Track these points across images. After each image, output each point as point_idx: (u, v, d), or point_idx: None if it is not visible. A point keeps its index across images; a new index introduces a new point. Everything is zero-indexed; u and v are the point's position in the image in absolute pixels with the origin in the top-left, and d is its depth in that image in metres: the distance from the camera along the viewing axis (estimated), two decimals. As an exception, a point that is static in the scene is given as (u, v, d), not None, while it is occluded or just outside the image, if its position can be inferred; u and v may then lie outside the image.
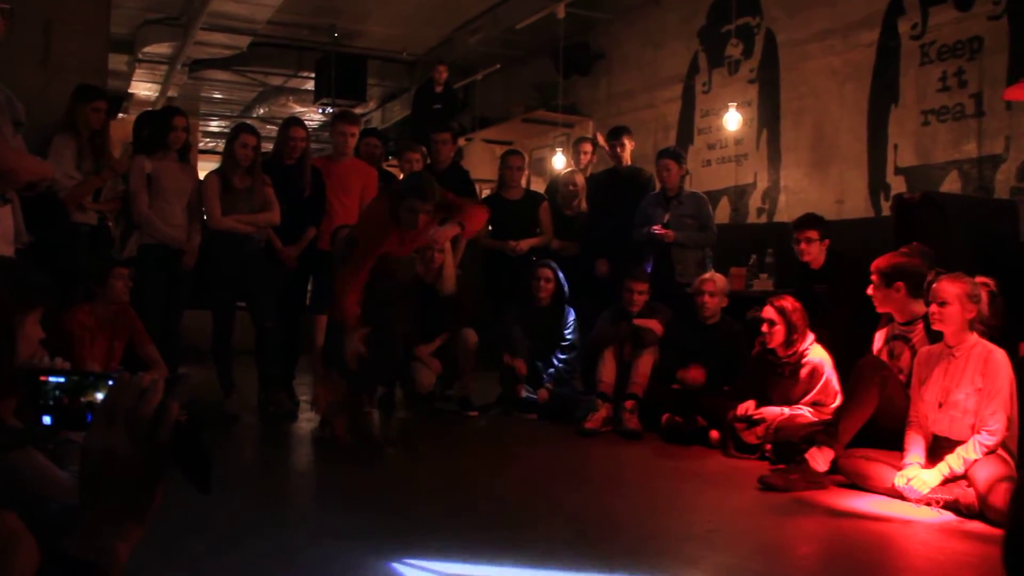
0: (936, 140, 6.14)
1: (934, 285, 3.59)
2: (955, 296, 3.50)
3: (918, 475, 3.43)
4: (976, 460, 3.35)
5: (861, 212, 6.62)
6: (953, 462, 3.38)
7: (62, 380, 1.00)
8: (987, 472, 3.28)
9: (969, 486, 3.34)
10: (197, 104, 13.41)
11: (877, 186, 6.56)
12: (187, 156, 5.34)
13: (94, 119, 4.89)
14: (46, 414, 1.00)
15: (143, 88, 11.79)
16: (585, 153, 7.08)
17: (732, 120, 7.29)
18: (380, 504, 3.52)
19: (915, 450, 3.56)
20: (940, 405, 3.53)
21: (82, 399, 0.99)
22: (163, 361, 4.56)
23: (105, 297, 4.34)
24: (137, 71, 11.06)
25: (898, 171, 6.41)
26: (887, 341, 4.05)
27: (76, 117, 4.83)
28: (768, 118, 7.60)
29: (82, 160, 4.82)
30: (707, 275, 5.33)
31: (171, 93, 11.75)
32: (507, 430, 5.21)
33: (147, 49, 10.18)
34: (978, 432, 3.39)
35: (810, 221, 5.09)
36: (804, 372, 4.43)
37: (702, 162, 8.32)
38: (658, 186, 6.17)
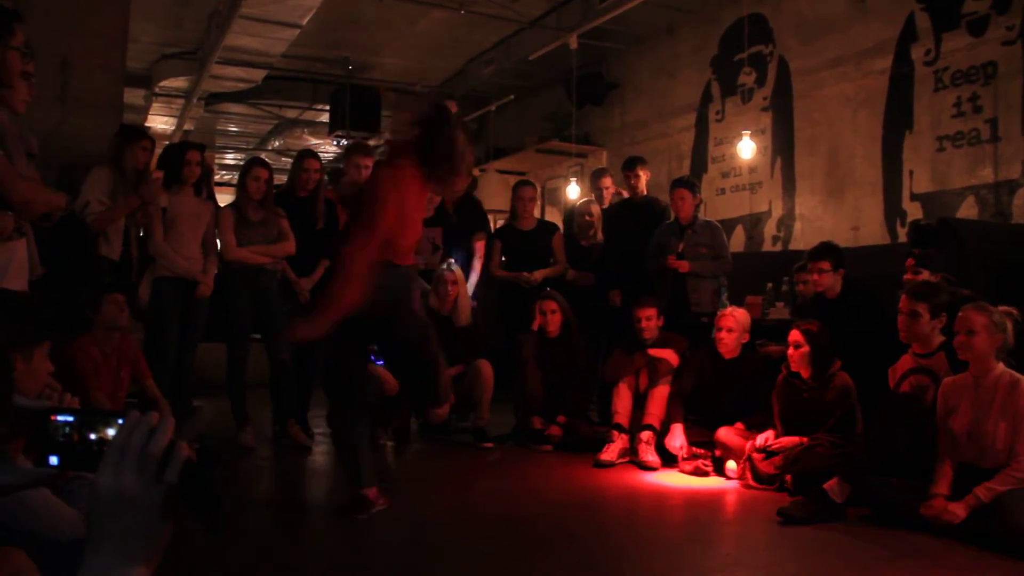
0: (952, 166, 6.11)
1: (960, 314, 3.56)
2: (982, 325, 3.48)
3: (946, 506, 3.38)
4: (1005, 491, 3.28)
5: (877, 239, 6.59)
6: (982, 493, 3.32)
7: (71, 419, 0.98)
8: (1018, 503, 3.22)
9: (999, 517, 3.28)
10: (213, 137, 13.56)
11: (893, 213, 6.53)
12: (203, 189, 5.37)
13: (141, 158, 4.96)
14: (53, 454, 0.98)
15: (160, 122, 11.92)
16: (607, 188, 7.04)
17: (746, 148, 7.27)
18: (392, 538, 3.48)
19: (943, 480, 3.51)
20: (968, 435, 3.48)
21: (91, 438, 0.97)
22: (163, 398, 4.52)
23: (101, 324, 4.33)
24: (154, 105, 11.20)
25: (914, 197, 6.38)
26: (905, 375, 3.99)
27: (123, 154, 4.85)
28: (782, 146, 7.59)
29: (116, 192, 4.84)
30: (727, 310, 5.15)
31: (187, 126, 11.89)
32: (522, 462, 5.16)
33: (164, 83, 10.31)
34: (1008, 462, 3.33)
35: (823, 251, 4.95)
36: (830, 396, 4.36)
37: (716, 191, 8.32)
38: (672, 216, 6.15)
